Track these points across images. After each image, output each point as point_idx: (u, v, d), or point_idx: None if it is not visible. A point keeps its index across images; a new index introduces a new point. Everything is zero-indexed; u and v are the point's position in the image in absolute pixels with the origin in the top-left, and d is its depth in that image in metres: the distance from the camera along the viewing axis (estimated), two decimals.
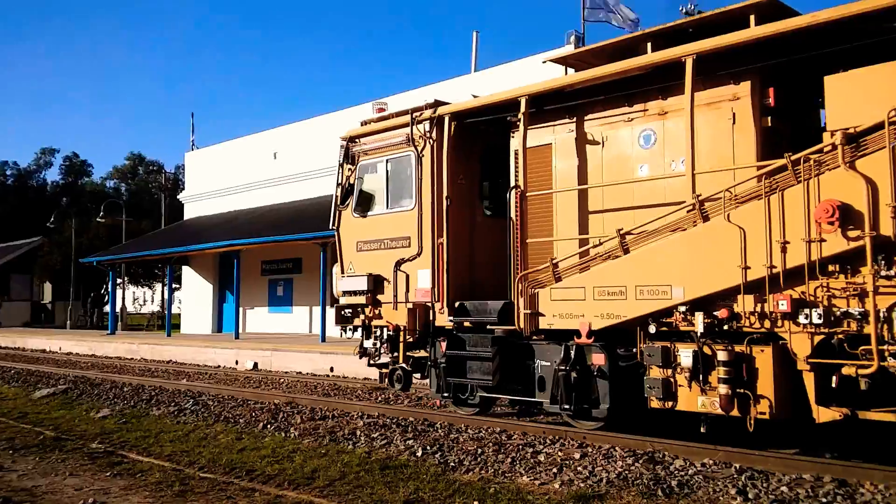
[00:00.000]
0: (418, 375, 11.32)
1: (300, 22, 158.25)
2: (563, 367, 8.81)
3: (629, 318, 8.25)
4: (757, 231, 7.35)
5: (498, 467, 7.74)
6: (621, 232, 8.43)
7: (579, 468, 7.51)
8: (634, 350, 8.39)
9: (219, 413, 11.65)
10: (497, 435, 9.16)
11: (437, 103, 10.81)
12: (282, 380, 17.22)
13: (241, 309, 28.08)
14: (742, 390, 7.45)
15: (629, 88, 9.00)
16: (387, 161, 11.33)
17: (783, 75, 8.10)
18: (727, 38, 7.97)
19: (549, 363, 9.18)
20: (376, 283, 11.26)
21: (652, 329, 8.09)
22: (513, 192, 9.56)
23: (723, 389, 7.49)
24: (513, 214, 9.99)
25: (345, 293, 11.71)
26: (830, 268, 7.01)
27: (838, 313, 6.96)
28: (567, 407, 8.78)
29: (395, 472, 7.61)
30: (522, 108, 9.52)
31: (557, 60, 10.02)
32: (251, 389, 15.05)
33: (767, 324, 7.37)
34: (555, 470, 7.51)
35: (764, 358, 7.39)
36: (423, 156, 10.74)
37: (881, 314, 6.64)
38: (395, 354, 11.14)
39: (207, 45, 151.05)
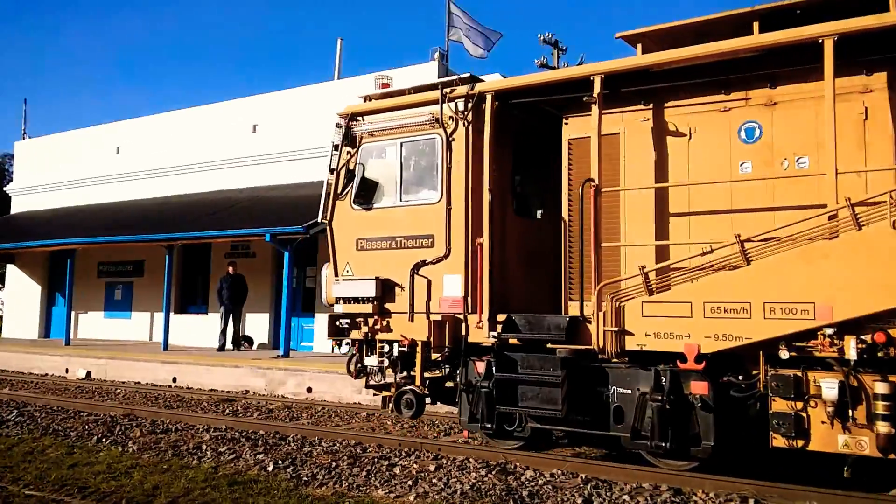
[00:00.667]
0: (428, 400, 9.60)
1: None
2: (657, 397, 7.43)
3: (754, 341, 6.99)
4: None
5: (353, 481, 7.75)
6: (741, 238, 7.15)
7: (434, 480, 7.69)
8: (753, 378, 7.16)
9: (47, 425, 11.06)
10: (352, 448, 9.20)
11: (474, 79, 9.14)
12: (118, 390, 16.08)
13: (72, 313, 25.00)
14: None
15: (723, 73, 7.78)
16: (401, 144, 9.52)
17: None
18: (870, 19, 6.89)
19: (629, 391, 7.78)
20: (385, 288, 9.43)
21: (784, 354, 6.86)
22: (585, 186, 8.05)
23: (883, 428, 6.39)
24: (565, 213, 8.60)
25: (342, 300, 9.76)
26: None
27: None
28: (661, 444, 7.40)
29: (245, 488, 7.39)
30: (597, 89, 8.06)
31: (630, 37, 8.60)
32: (84, 400, 14.29)
33: None
34: (410, 482, 7.63)
35: None
36: (453, 139, 9.04)
37: None
38: (405, 375, 9.38)
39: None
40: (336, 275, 9.88)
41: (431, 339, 8.89)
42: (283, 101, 23.93)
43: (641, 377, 7.70)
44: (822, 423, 6.75)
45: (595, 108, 8.09)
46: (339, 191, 9.93)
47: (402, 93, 9.77)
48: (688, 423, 7.42)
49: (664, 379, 7.49)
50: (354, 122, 9.84)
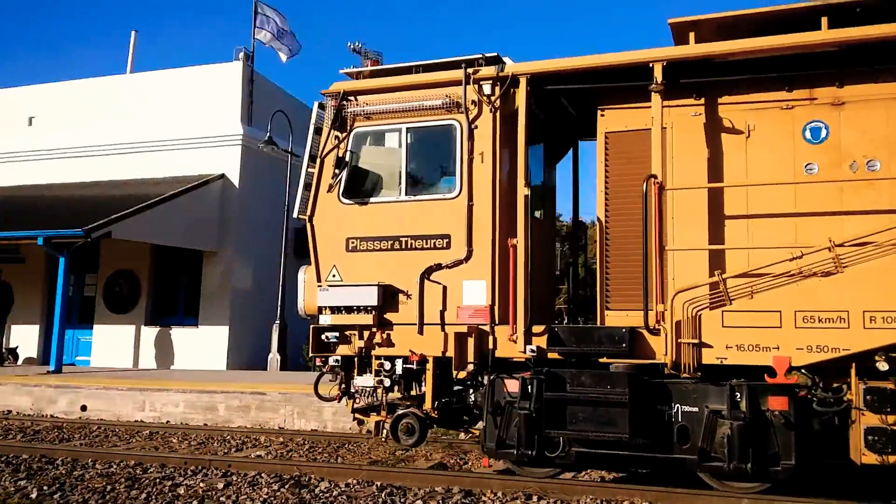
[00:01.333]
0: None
1: None
2: (737, 415, 6.76)
3: (852, 352, 6.51)
4: None
5: None
6: (835, 244, 6.68)
7: (223, 499, 7.29)
8: (842, 392, 6.69)
9: None
10: (131, 469, 8.59)
11: (499, 59, 8.13)
12: None
13: None
14: None
15: (788, 69, 7.37)
16: (406, 130, 8.29)
17: None
18: None
19: (696, 409, 7.05)
20: (385, 296, 8.11)
21: (883, 366, 6.43)
22: (650, 183, 7.27)
23: None
24: (601, 213, 7.82)
25: (330, 309, 8.28)
26: None
27: None
28: (741, 465, 6.72)
29: None
30: (658, 78, 7.35)
31: (683, 25, 7.94)
32: None
33: None
34: (195, 502, 7.16)
35: None
36: (476, 127, 7.97)
37: None
38: (407, 396, 8.12)
39: None
40: (319, 280, 8.40)
41: (451, 354, 7.73)
42: (63, 93, 22.15)
43: (711, 393, 7.00)
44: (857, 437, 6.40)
45: (656, 98, 7.36)
46: (320, 183, 8.49)
47: (404, 70, 8.55)
48: (766, 442, 6.81)
49: (739, 395, 6.85)
50: (347, 103, 8.46)
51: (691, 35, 7.76)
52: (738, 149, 7.49)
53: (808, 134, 7.32)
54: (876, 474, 7.35)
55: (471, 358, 7.72)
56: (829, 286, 6.64)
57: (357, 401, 8.46)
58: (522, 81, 7.83)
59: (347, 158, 8.36)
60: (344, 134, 8.47)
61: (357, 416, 8.49)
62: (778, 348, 6.69)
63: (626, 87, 7.74)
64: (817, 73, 7.29)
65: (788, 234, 7.16)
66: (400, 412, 8.09)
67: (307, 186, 8.63)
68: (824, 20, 7.27)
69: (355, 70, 8.69)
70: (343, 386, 8.43)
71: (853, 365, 6.59)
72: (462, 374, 7.87)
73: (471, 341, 7.74)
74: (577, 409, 7.25)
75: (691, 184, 7.54)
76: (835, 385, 6.81)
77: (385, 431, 8.19)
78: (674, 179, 7.61)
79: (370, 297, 8.06)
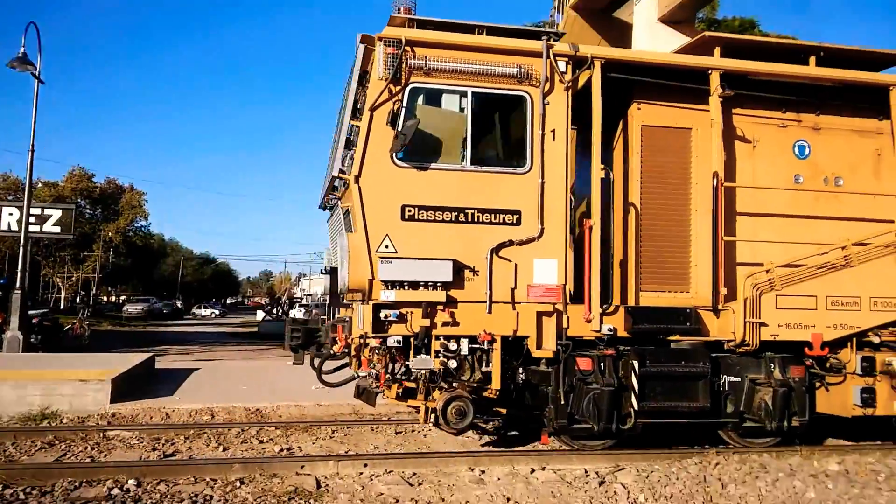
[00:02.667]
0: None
1: None
2: (776, 381, 7.99)
3: (862, 329, 8.22)
4: None
5: None
6: (851, 243, 8.31)
7: None
8: (840, 362, 8.35)
9: None
10: None
11: (560, 35, 8.07)
12: None
13: None
14: None
15: (781, 93, 8.84)
16: (472, 94, 7.75)
17: None
18: None
19: (738, 379, 8.11)
20: (453, 272, 7.51)
21: (876, 339, 8.29)
22: (716, 179, 8.03)
23: None
24: (636, 199, 8.43)
25: (396, 284, 7.33)
26: None
27: None
28: (781, 424, 7.98)
29: None
30: (715, 84, 8.19)
31: (714, 39, 8.75)
32: None
33: None
34: None
35: None
36: (548, 103, 7.85)
37: None
38: (469, 379, 7.65)
39: None
40: (370, 249, 7.37)
41: (523, 332, 7.56)
42: None
43: (751, 365, 8.13)
44: (887, 393, 8.39)
45: (715, 101, 8.20)
46: (369, 139, 7.44)
47: (464, 28, 7.91)
48: (789, 403, 8.18)
49: (773, 366, 8.11)
50: (406, 53, 7.53)
51: (716, 49, 8.73)
52: (748, 155, 8.71)
53: (796, 150, 8.88)
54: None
55: (551, 337, 7.63)
56: (848, 277, 8.29)
57: (375, 384, 7.67)
58: (597, 65, 7.96)
59: (400, 116, 7.46)
60: (398, 87, 7.53)
61: (410, 403, 7.68)
62: (814, 326, 8.12)
63: (664, 85, 8.38)
64: (803, 101, 8.88)
65: (784, 232, 8.60)
66: (450, 395, 7.55)
67: (350, 142, 7.46)
68: (812, 59, 8.90)
69: (418, 18, 7.74)
70: (389, 369, 7.54)
71: (853, 340, 8.32)
72: (542, 354, 7.69)
73: (550, 321, 7.65)
74: (659, 384, 7.76)
75: (708, 181, 8.53)
76: (836, 355, 8.45)
77: (434, 415, 7.56)
78: (696, 176, 8.53)
79: (443, 273, 7.40)
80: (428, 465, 7.44)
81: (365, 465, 7.36)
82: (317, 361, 8.32)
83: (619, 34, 23.66)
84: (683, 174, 8.52)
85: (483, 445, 8.79)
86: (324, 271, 9.73)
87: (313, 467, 7.27)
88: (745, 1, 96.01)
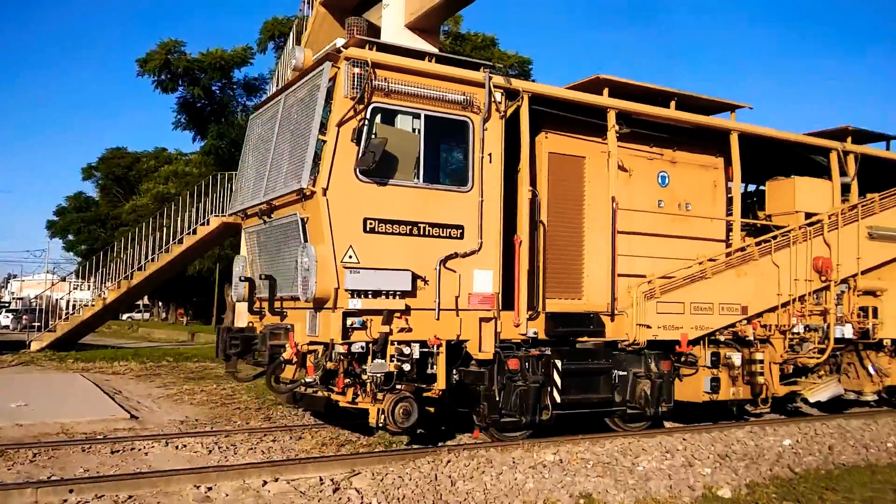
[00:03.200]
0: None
1: None
2: (652, 374, 9.61)
3: (713, 329, 10.09)
4: (787, 268, 10.86)
5: None
6: (706, 259, 10.15)
7: None
8: (695, 357, 10.16)
9: None
10: None
11: (503, 69, 8.93)
12: None
13: None
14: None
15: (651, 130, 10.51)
16: (424, 116, 8.37)
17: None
18: (759, 129, 11.07)
19: (625, 373, 9.58)
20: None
21: (722, 338, 10.23)
22: (613, 202, 9.40)
23: (760, 379, 10.52)
24: (545, 217, 9.62)
25: (360, 293, 7.72)
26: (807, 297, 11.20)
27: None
28: (655, 409, 9.61)
29: None
30: (612, 121, 9.60)
31: (606, 81, 10.04)
32: None
33: (776, 333, 10.88)
34: None
35: (764, 355, 10.80)
36: (486, 129, 8.72)
37: (825, 328, 11.27)
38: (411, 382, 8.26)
39: None
40: (335, 259, 7.72)
41: (465, 336, 8.42)
42: None
43: (634, 361, 9.66)
44: (726, 381, 10.40)
45: (612, 136, 9.60)
46: (335, 154, 7.81)
47: (417, 55, 8.48)
48: (661, 392, 9.83)
49: (651, 361, 9.72)
50: (370, 74, 7.96)
51: (605, 90, 10.14)
52: (626, 182, 10.25)
53: (659, 179, 10.61)
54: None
55: (490, 340, 8.51)
56: (704, 287, 10.13)
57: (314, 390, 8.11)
58: (525, 97, 8.97)
59: (362, 132, 7.90)
60: (361, 107, 7.93)
61: (360, 405, 8.06)
62: (682, 328, 9.84)
63: (566, 118, 9.63)
64: (665, 138, 10.63)
65: (649, 249, 10.27)
66: (397, 396, 8.13)
67: (316, 155, 7.73)
68: (672, 103, 10.68)
69: (376, 42, 8.15)
70: (346, 374, 7.92)
71: (705, 338, 10.20)
72: (483, 356, 8.49)
73: (488, 326, 8.53)
74: (575, 379, 8.98)
75: (599, 205, 9.94)
76: (689, 351, 10.24)
77: (383, 417, 8.07)
78: (588, 199, 9.92)
79: (403, 282, 7.96)
80: (147, 486, 6.74)
81: (70, 491, 6.48)
82: (268, 369, 8.38)
83: (370, 36, 24.60)
84: (579, 197, 9.84)
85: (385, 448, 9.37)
86: (241, 279, 9.68)
87: (5, 498, 6.35)
88: (484, 18, 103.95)
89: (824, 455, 9.05)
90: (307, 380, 8.24)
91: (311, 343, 8.16)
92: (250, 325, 9.50)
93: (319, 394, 8.41)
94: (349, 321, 7.76)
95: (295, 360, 8.31)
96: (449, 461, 7.73)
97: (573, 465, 7.78)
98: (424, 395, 8.39)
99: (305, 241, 8.00)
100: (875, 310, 12.02)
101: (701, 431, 9.75)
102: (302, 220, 8.07)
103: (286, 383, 8.66)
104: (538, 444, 8.50)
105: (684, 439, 9.16)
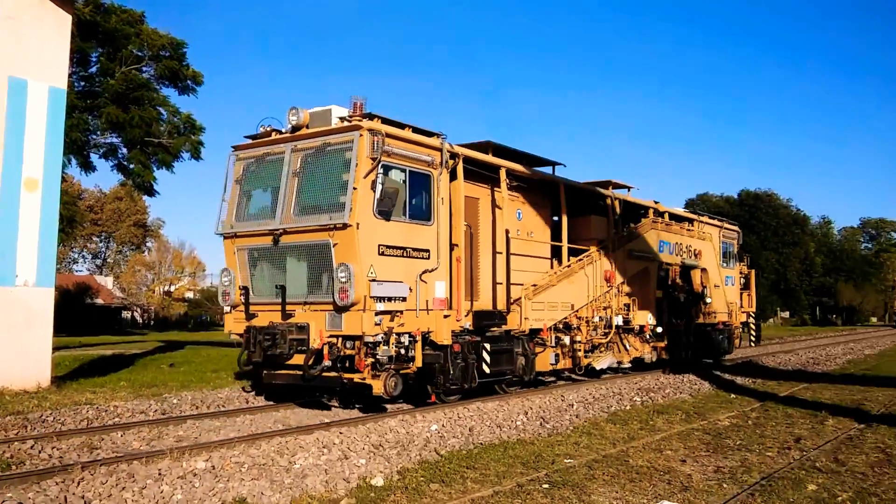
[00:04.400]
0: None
1: None
2: (526, 350, 13.88)
3: (557, 320, 14.64)
4: (591, 278, 15.83)
5: None
6: (554, 272, 14.68)
7: None
8: (546, 339, 14.62)
9: None
10: None
11: (445, 136, 12.49)
12: None
13: None
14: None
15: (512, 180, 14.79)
16: (407, 171, 11.67)
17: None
18: (574, 182, 15.83)
19: (518, 349, 13.70)
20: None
21: (560, 325, 14.85)
22: (508, 232, 13.45)
23: (580, 355, 15.38)
24: (465, 243, 13.43)
25: (381, 299, 10.78)
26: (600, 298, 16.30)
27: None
28: (530, 377, 13.89)
29: None
30: (503, 176, 13.69)
31: (485, 144, 13.91)
32: None
33: (584, 322, 15.83)
34: None
35: (580, 337, 15.72)
36: (439, 181, 12.25)
37: (609, 318, 16.51)
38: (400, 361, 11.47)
39: None
40: (362, 275, 10.71)
41: (436, 329, 11.91)
42: None
43: (517, 343, 13.82)
44: (562, 356, 15.08)
45: (504, 186, 13.70)
46: (361, 198, 10.84)
47: (399, 125, 11.68)
48: (531, 364, 14.12)
49: (525, 342, 13.99)
50: (382, 141, 11.04)
51: (490, 151, 14.17)
52: (501, 216, 14.39)
53: (517, 215, 14.94)
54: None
55: (447, 331, 12.02)
56: (553, 291, 14.64)
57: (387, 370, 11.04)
58: (460, 158, 12.65)
59: (377, 182, 11.01)
60: (374, 163, 10.99)
61: (367, 381, 11.00)
62: (545, 320, 14.26)
63: (469, 170, 13.50)
64: (520, 186, 14.99)
65: (515, 264, 14.55)
66: (389, 373, 11.28)
67: (351, 199, 10.64)
68: (490, 151, 15.10)
69: (375, 115, 11.25)
70: (371, 358, 10.89)
71: (552, 327, 14.73)
72: (444, 342, 11.91)
73: (445, 321, 12.04)
74: (496, 356, 12.86)
75: (487, 236, 13.98)
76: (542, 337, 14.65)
77: (387, 384, 11.10)
78: (480, 230, 13.91)
79: (402, 291, 11.20)
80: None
81: None
82: (307, 357, 10.84)
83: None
84: (476, 228, 13.74)
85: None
86: (241, 287, 11.89)
87: None
88: None
89: (465, 436, 9.90)
90: (326, 364, 10.98)
91: (331, 336, 10.96)
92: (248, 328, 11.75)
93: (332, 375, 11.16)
94: (376, 319, 10.78)
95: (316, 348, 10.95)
96: (82, 479, 7.27)
97: (226, 471, 7.69)
98: (402, 371, 11.60)
99: (331, 260, 10.78)
100: (628, 306, 17.68)
101: (357, 424, 10.46)
102: (333, 244, 10.82)
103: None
104: (188, 451, 8.46)
105: (341, 433, 9.70)
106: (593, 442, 9.69)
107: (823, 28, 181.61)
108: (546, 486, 7.33)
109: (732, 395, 14.61)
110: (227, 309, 12.32)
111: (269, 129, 12.34)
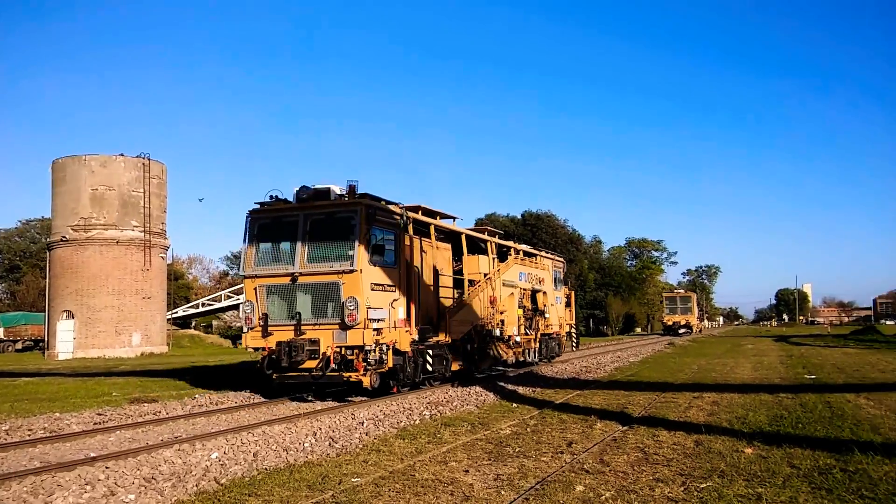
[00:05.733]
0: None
1: None
2: (466, 349, 19.38)
3: (463, 334, 20.28)
4: (483, 301, 21.64)
5: None
6: (466, 294, 20.32)
7: None
8: (458, 347, 20.17)
9: None
10: None
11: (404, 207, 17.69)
12: None
13: None
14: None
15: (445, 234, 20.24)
16: (384, 232, 16.79)
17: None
18: (469, 231, 21.55)
19: (449, 354, 19.13)
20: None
21: (466, 337, 20.52)
22: (433, 272, 18.90)
23: (519, 348, 21.14)
24: (412, 277, 18.72)
25: (373, 320, 15.81)
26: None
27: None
28: (447, 374, 19.40)
29: None
30: (433, 232, 19.15)
31: (418, 207, 19.18)
32: None
33: (484, 330, 21.61)
34: None
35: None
36: (400, 236, 17.47)
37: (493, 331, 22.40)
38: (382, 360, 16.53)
39: None
40: (364, 304, 15.73)
41: (400, 340, 17.11)
42: None
43: (448, 346, 19.25)
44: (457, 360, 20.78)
45: (433, 237, 19.17)
46: (361, 251, 15.88)
47: (377, 199, 16.78)
48: (447, 365, 19.60)
49: (447, 349, 19.47)
50: (374, 212, 16.10)
51: (419, 211, 19.56)
52: (428, 258, 19.75)
53: (439, 257, 20.39)
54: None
55: (408, 342, 17.22)
56: (463, 311, 20.26)
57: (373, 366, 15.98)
58: (411, 221, 17.95)
59: (371, 240, 16.07)
60: (368, 227, 16.02)
61: (359, 379, 15.95)
62: (457, 334, 19.84)
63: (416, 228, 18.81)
64: (449, 237, 20.49)
65: (441, 294, 19.98)
66: (373, 372, 16.34)
67: (357, 252, 15.62)
68: (420, 210, 20.66)
69: (366, 193, 16.27)
70: (365, 361, 15.86)
71: (461, 338, 20.34)
72: (405, 349, 17.03)
73: (406, 335, 17.25)
74: (435, 359, 18.20)
75: (426, 273, 19.34)
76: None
77: (372, 378, 16.14)
78: (423, 268, 19.26)
79: (384, 315, 16.32)
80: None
81: None
82: (321, 361, 15.52)
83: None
84: (419, 268, 19.04)
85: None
86: (262, 314, 16.33)
87: None
88: None
89: (249, 462, 9.49)
90: (333, 366, 15.78)
91: (338, 346, 15.82)
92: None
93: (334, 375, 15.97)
94: (372, 334, 15.80)
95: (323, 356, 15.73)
96: None
97: None
98: (378, 371, 16.63)
99: (339, 294, 15.65)
100: (503, 322, 23.65)
101: (127, 457, 9.72)
102: (342, 283, 15.68)
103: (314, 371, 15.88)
104: None
105: (107, 468, 9.00)
106: (382, 459, 9.70)
107: (607, 50, 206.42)
108: None
109: (514, 405, 15.67)
110: (246, 329, 16.69)
111: (276, 197, 16.95)
